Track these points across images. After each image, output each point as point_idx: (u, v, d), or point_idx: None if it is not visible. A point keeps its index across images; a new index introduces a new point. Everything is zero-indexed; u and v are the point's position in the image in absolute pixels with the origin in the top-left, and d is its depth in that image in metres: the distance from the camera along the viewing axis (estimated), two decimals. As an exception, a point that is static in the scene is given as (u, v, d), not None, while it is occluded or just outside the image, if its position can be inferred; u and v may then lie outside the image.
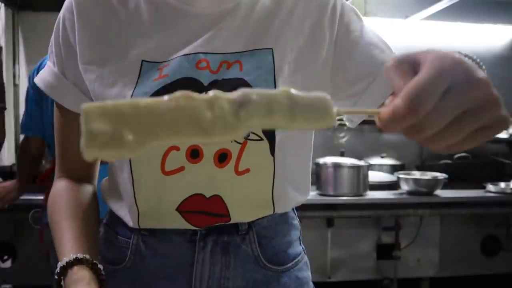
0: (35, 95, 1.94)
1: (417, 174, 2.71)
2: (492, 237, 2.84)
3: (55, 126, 0.84)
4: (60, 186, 0.82)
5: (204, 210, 0.75)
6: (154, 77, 0.72)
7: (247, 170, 0.73)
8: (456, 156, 3.05)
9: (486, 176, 2.83)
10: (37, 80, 0.82)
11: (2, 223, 2.58)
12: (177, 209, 0.75)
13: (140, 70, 0.73)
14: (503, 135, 3.20)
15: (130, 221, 0.78)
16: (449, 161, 3.06)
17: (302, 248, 0.87)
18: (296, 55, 0.76)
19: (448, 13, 2.82)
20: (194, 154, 0.72)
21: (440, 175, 2.62)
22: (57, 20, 0.79)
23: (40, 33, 3.11)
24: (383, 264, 2.73)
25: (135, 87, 0.72)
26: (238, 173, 0.73)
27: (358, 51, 0.77)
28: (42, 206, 2.08)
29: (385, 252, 2.71)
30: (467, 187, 2.77)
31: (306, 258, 0.88)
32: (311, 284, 0.87)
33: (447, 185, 2.65)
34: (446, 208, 2.60)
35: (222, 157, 0.72)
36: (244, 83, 0.71)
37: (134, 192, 0.75)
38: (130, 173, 0.74)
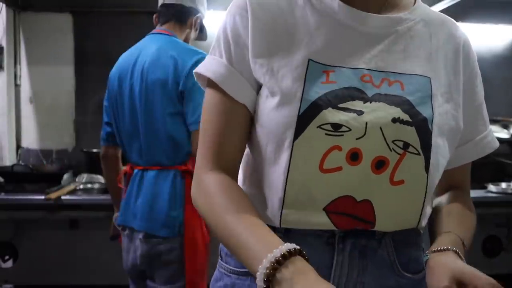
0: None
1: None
2: (493, 237, 2.83)
3: (209, 117, 0.82)
4: (223, 180, 0.78)
5: (352, 213, 0.75)
6: (321, 79, 0.75)
7: (401, 182, 0.75)
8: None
9: (487, 177, 2.83)
10: (204, 70, 0.83)
11: (3, 223, 2.58)
12: (324, 209, 0.75)
13: (307, 68, 0.76)
14: (504, 135, 3.20)
15: (268, 220, 0.77)
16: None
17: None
18: (446, 88, 0.82)
19: (449, 13, 2.77)
20: (354, 156, 0.73)
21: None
22: (226, 18, 0.83)
23: (42, 33, 3.12)
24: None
25: (304, 83, 0.75)
26: (392, 182, 0.75)
27: (473, 108, 0.88)
28: None
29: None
30: (468, 187, 2.76)
31: None
32: None
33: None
34: (447, 209, 2.59)
35: (379, 164, 0.74)
36: (406, 102, 0.76)
37: (285, 185, 0.75)
38: (287, 165, 0.74)
